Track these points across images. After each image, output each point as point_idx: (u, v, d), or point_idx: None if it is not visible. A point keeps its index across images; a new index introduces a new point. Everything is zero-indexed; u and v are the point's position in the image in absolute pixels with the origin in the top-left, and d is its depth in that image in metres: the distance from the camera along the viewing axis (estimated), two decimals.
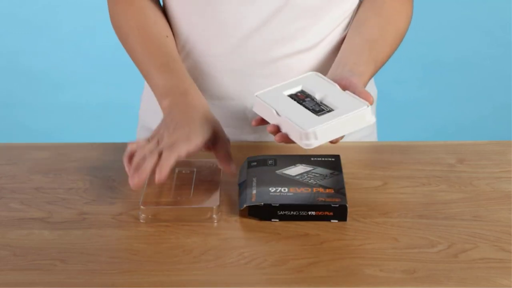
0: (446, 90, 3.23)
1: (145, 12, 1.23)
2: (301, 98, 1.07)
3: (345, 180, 1.08)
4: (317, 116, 1.02)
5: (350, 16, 1.26)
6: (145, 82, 1.38)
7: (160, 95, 1.16)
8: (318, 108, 1.04)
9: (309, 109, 1.04)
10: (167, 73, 1.17)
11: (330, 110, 1.03)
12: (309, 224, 1.01)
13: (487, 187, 1.10)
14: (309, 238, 0.98)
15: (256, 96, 1.07)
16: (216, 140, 1.09)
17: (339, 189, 1.05)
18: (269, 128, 1.04)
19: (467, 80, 3.27)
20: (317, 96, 1.06)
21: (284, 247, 0.97)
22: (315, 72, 1.12)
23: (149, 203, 1.03)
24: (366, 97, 1.04)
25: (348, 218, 1.02)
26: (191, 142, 1.05)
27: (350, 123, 1.02)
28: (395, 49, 1.22)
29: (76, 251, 0.96)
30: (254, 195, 1.04)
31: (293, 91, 1.09)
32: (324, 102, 1.05)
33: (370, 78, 1.16)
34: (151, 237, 0.99)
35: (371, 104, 1.03)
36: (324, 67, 1.26)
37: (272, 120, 1.05)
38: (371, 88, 1.37)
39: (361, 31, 1.20)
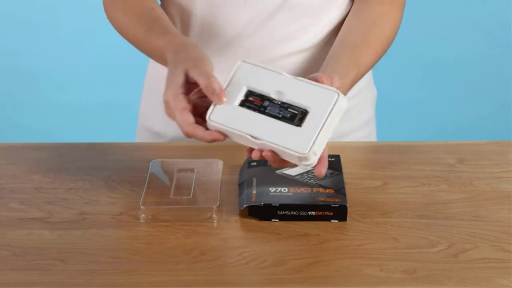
0: (446, 90, 3.23)
1: None
2: (258, 103, 0.97)
3: (345, 180, 1.08)
4: (300, 128, 0.95)
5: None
6: (145, 82, 1.38)
7: (161, 54, 1.09)
8: (290, 114, 0.95)
9: (281, 119, 0.96)
10: (160, 33, 1.12)
11: (305, 112, 0.95)
12: (309, 224, 1.01)
13: (487, 187, 1.10)
14: (309, 238, 0.98)
15: (209, 119, 0.97)
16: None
17: (339, 189, 1.05)
18: (254, 154, 0.97)
19: (467, 80, 3.27)
20: (274, 95, 0.97)
21: (284, 247, 0.97)
22: (242, 60, 1.00)
23: (149, 203, 1.03)
24: (328, 82, 0.98)
25: (348, 218, 1.02)
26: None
27: (334, 119, 0.96)
28: (381, 52, 1.20)
29: (76, 251, 0.96)
30: (254, 195, 1.04)
31: (241, 96, 0.98)
32: (288, 100, 0.97)
33: (352, 82, 1.12)
34: (151, 237, 0.99)
35: (337, 88, 0.97)
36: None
37: (249, 143, 0.96)
38: (371, 88, 1.37)
39: (344, 37, 1.19)
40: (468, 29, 3.41)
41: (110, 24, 1.25)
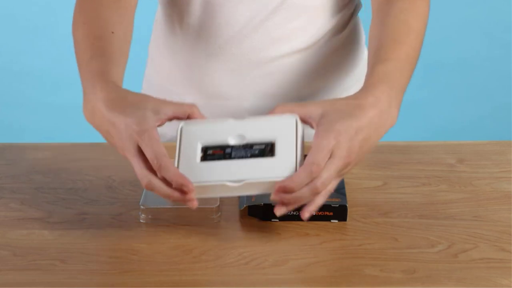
0: (446, 90, 3.23)
1: (99, 8, 1.11)
2: (220, 153, 0.93)
3: (345, 180, 1.08)
4: (275, 157, 0.91)
5: (347, 16, 1.26)
6: (143, 84, 1.38)
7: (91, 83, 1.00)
8: (258, 150, 0.92)
9: (251, 157, 0.92)
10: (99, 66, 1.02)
11: (271, 144, 0.93)
12: (309, 224, 1.01)
13: (487, 187, 1.10)
14: (309, 238, 0.98)
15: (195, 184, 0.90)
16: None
17: (339, 189, 1.05)
18: (279, 212, 0.90)
19: (467, 80, 3.27)
20: (233, 141, 0.94)
21: (284, 247, 0.97)
22: (183, 123, 0.95)
23: (149, 203, 1.03)
24: (279, 110, 0.95)
25: (348, 218, 1.02)
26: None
27: (300, 142, 0.93)
28: (414, 44, 1.09)
29: (76, 251, 0.96)
30: (254, 195, 1.04)
31: (198, 153, 0.93)
32: (248, 141, 0.93)
33: (385, 75, 1.00)
34: (151, 237, 0.99)
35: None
36: (320, 67, 1.26)
37: (227, 192, 0.90)
38: None
39: (369, 45, 1.08)
40: (468, 30, 3.41)
41: None
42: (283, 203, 0.90)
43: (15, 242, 0.98)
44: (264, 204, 1.02)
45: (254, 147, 0.93)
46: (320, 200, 0.92)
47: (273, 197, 0.89)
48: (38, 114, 3.18)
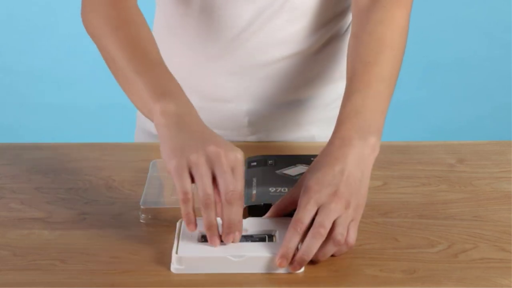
0: (446, 90, 3.23)
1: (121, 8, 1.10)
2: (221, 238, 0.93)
3: None
4: (274, 242, 0.94)
5: (348, 19, 1.26)
6: None
7: (148, 99, 0.99)
8: (259, 238, 0.94)
9: (252, 241, 0.94)
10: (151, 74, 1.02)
11: (271, 234, 0.95)
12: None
13: (487, 187, 1.10)
14: None
15: (177, 254, 0.92)
16: None
17: None
18: (280, 263, 0.91)
19: (467, 80, 3.27)
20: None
21: None
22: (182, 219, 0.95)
23: (149, 203, 1.03)
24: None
25: None
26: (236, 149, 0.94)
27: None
28: (390, 58, 1.07)
29: (76, 251, 0.96)
30: (254, 195, 1.04)
31: (198, 238, 0.94)
32: (250, 232, 0.95)
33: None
34: (151, 237, 0.99)
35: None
36: (320, 70, 1.26)
37: (226, 269, 0.91)
38: None
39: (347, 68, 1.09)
40: (468, 30, 3.41)
41: None
42: (295, 266, 0.91)
43: (15, 242, 0.98)
44: (264, 204, 1.02)
45: (255, 236, 0.95)
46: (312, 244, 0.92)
47: (281, 265, 0.90)
48: (38, 114, 3.18)
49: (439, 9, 3.41)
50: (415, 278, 0.91)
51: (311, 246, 0.90)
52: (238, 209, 0.91)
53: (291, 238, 0.91)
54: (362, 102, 1.00)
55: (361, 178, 0.96)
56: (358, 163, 0.96)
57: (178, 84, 1.01)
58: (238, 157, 0.92)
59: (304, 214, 0.92)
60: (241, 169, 0.92)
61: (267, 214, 0.98)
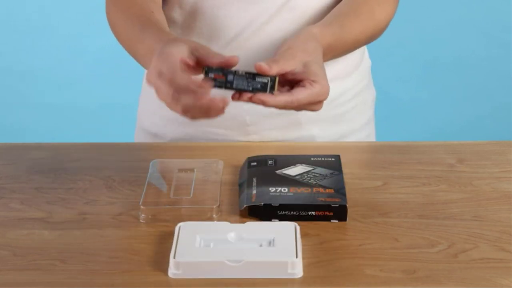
0: (446, 90, 3.23)
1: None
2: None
3: (345, 180, 1.08)
4: (274, 247, 0.93)
5: None
6: (143, 84, 1.38)
7: (149, 48, 1.05)
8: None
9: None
10: (153, 33, 1.09)
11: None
12: (309, 224, 1.01)
13: (487, 187, 1.10)
14: (309, 238, 0.98)
15: (174, 259, 0.91)
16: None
17: (339, 189, 1.05)
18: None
19: (466, 80, 3.27)
20: (232, 238, 0.95)
21: None
22: (180, 222, 0.98)
23: (149, 203, 1.03)
24: (264, 69, 0.98)
25: (348, 218, 1.02)
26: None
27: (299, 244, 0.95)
28: (370, 31, 1.20)
29: (76, 251, 0.96)
30: (254, 195, 1.04)
31: (197, 243, 0.94)
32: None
33: (333, 38, 1.11)
34: (151, 237, 0.99)
35: (277, 73, 0.98)
36: None
37: (224, 273, 0.90)
38: (370, 89, 1.37)
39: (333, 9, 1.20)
40: (468, 30, 3.41)
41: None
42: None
43: (15, 242, 0.98)
44: (264, 204, 1.02)
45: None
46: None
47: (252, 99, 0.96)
48: (38, 114, 3.18)
49: (438, 9, 3.41)
50: (415, 278, 0.91)
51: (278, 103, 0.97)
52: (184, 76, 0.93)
53: (279, 103, 0.97)
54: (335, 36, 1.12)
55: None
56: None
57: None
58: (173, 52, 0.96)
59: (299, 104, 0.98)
60: (166, 53, 0.96)
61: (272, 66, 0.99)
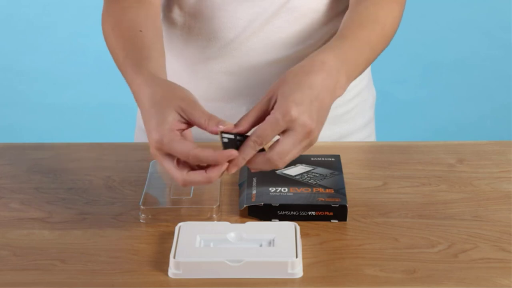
0: (446, 90, 3.24)
1: (125, 10, 1.14)
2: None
3: (345, 180, 1.08)
4: (274, 247, 0.94)
5: None
6: None
7: (132, 84, 1.03)
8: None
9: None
10: (135, 64, 1.05)
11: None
12: (309, 224, 1.01)
13: (487, 187, 1.10)
14: (309, 238, 0.98)
15: (174, 259, 0.91)
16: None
17: (339, 189, 1.05)
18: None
19: (467, 80, 3.27)
20: (232, 239, 0.95)
21: None
22: (180, 223, 0.98)
23: (149, 203, 1.03)
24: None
25: (348, 218, 1.02)
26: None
27: (300, 244, 0.95)
28: (380, 47, 1.11)
29: (76, 251, 0.96)
30: (254, 195, 1.04)
31: (197, 243, 0.94)
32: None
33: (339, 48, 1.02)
34: (151, 237, 0.99)
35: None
36: None
37: (224, 274, 0.90)
38: (370, 89, 1.37)
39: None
40: (468, 30, 3.41)
41: None
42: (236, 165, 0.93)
43: (15, 242, 0.98)
44: (264, 204, 1.02)
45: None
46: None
47: (229, 169, 0.93)
48: (38, 114, 3.18)
49: (438, 9, 3.41)
50: (415, 278, 0.91)
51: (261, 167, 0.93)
52: (204, 154, 0.92)
53: (246, 148, 0.93)
54: (347, 46, 1.01)
55: (328, 108, 0.96)
56: (331, 94, 0.96)
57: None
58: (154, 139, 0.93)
59: (271, 132, 0.93)
60: (167, 140, 0.92)
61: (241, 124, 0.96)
